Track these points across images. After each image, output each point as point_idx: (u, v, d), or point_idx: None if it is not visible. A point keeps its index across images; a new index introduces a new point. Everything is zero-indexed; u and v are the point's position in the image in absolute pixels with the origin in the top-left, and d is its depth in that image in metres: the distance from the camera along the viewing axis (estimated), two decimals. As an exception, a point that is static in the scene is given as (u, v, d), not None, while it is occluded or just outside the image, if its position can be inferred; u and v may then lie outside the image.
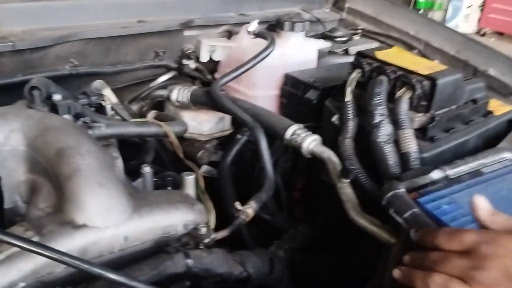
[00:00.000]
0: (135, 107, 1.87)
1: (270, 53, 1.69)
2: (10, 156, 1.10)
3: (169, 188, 1.54)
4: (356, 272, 1.36)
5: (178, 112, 1.77)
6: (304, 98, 1.69)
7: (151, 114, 1.83)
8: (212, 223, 1.16)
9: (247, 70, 1.67)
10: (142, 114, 1.83)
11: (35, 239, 0.96)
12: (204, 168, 1.82)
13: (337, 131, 1.44)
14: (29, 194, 1.13)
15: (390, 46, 1.98)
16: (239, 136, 1.77)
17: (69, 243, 0.97)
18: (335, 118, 1.45)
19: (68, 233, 0.98)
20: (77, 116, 1.27)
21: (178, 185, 1.56)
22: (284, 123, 1.46)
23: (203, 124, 1.78)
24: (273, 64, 1.76)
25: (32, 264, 0.94)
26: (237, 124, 1.79)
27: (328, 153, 1.34)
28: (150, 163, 1.56)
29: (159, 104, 1.88)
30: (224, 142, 1.88)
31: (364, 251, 1.30)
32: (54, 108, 1.24)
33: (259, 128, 1.44)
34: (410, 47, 2.09)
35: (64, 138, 1.09)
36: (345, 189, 1.25)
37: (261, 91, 1.82)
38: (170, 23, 1.77)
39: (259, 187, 1.67)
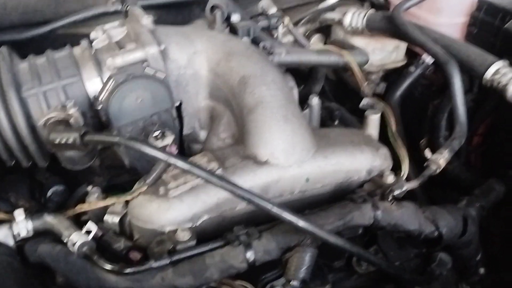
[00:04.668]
0: (300, 30, 1.74)
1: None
2: (192, 80, 1.05)
3: (336, 122, 1.44)
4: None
5: (347, 38, 1.60)
6: (503, 29, 1.42)
7: (316, 39, 1.70)
8: (406, 173, 1.03)
9: (436, -8, 1.43)
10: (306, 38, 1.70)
11: (219, 171, 0.91)
12: (366, 101, 1.67)
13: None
14: (208, 121, 1.09)
15: None
16: (412, 68, 1.58)
17: (252, 179, 0.92)
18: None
19: (251, 169, 0.93)
20: (255, 40, 1.18)
21: (345, 119, 1.45)
22: (485, 58, 1.23)
23: (375, 53, 1.60)
24: (464, -14, 1.50)
25: (216, 198, 0.91)
26: (411, 55, 1.59)
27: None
28: (317, 93, 1.46)
29: (325, 28, 1.73)
30: (389, 74, 1.70)
31: None
32: (232, 30, 1.15)
33: (453, 63, 1.23)
34: None
35: (249, 65, 1.01)
36: None
37: (446, 18, 1.56)
38: None
39: (434, 128, 1.51)
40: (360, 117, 1.33)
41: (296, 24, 1.74)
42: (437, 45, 1.30)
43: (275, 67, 1.06)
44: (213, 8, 1.14)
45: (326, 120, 1.42)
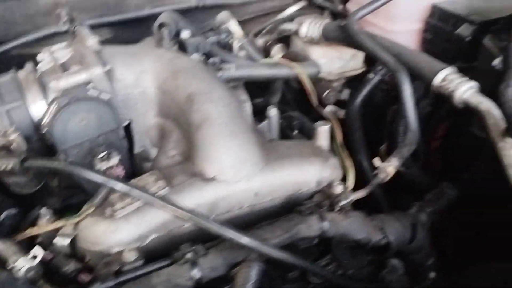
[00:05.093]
0: (260, 40, 1.75)
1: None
2: (140, 98, 1.06)
3: (296, 131, 1.45)
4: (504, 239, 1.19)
5: (306, 48, 1.62)
6: (455, 34, 1.45)
7: (277, 49, 1.71)
8: (351, 184, 1.04)
9: (388, 1, 1.45)
10: (266, 49, 1.71)
11: (166, 189, 0.92)
12: (329, 108, 1.69)
13: (498, 77, 1.20)
14: (158, 138, 1.09)
15: None
16: (371, 75, 1.60)
17: (200, 197, 0.93)
18: (497, 62, 1.21)
19: (199, 186, 0.94)
20: (206, 55, 1.18)
21: (304, 128, 1.46)
22: (433, 65, 1.25)
23: (334, 61, 1.62)
24: (417, -7, 1.52)
25: (162, 217, 0.91)
26: (370, 62, 1.61)
27: (487, 105, 1.12)
28: (276, 104, 1.47)
29: (285, 38, 1.74)
30: (352, 81, 1.72)
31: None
32: (182, 46, 1.16)
33: (402, 71, 1.25)
34: None
35: (195, 83, 1.02)
36: (509, 150, 1.05)
37: (401, 25, 1.59)
38: None
39: (392, 134, 1.53)
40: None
41: (256, 34, 1.76)
42: (388, 54, 1.32)
43: (222, 83, 1.07)
44: (161, 26, 1.15)
45: (285, 130, 1.43)
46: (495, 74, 1.22)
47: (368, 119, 1.60)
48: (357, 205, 1.10)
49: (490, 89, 1.20)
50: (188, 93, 1.00)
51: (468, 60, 1.38)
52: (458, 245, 1.23)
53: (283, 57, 1.54)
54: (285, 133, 1.42)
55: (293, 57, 1.42)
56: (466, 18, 1.42)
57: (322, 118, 1.42)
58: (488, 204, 1.24)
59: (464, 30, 1.42)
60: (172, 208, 0.80)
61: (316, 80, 1.65)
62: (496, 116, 1.09)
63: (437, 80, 1.22)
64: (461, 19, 1.44)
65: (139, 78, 1.05)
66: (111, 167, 0.96)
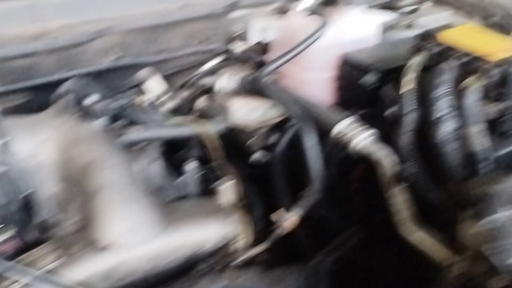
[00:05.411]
0: (185, 92, 1.80)
1: (323, 33, 1.52)
2: (41, 168, 1.08)
3: (215, 183, 1.49)
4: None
5: (225, 100, 1.67)
6: (360, 83, 1.52)
7: (200, 102, 1.76)
8: (249, 239, 1.08)
9: (298, 54, 1.52)
10: (191, 101, 1.76)
11: (59, 261, 0.94)
12: (257, 154, 1.73)
13: (393, 125, 1.28)
14: (61, 206, 1.11)
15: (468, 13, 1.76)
16: (290, 124, 1.66)
17: (94, 265, 0.95)
18: (389, 112, 1.29)
19: (93, 254, 0.96)
20: (114, 117, 1.22)
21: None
22: (331, 117, 1.31)
23: (253, 111, 1.67)
24: (327, 44, 1.59)
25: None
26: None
27: (378, 155, 1.18)
28: (195, 157, 1.50)
29: (209, 90, 1.80)
30: (277, 126, 1.78)
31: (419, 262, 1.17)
32: (87, 112, 1.19)
33: (305, 123, 1.31)
34: (487, 16, 1.82)
35: (92, 151, 1.06)
36: (396, 198, 1.11)
37: (315, 74, 1.66)
38: (215, 5, 1.66)
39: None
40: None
41: (181, 87, 1.81)
42: (295, 106, 1.39)
43: (119, 150, 1.11)
44: (65, 93, 1.18)
45: (206, 181, 1.47)
46: (390, 123, 1.29)
47: (292, 165, 1.64)
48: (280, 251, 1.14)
49: (388, 136, 1.27)
50: (84, 162, 1.03)
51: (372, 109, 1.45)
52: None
53: (200, 110, 1.59)
54: (205, 186, 1.45)
55: (211, 110, 1.47)
56: (370, 67, 1.50)
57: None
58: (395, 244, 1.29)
59: (368, 79, 1.49)
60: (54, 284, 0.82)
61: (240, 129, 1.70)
62: (385, 166, 1.16)
63: (334, 132, 1.27)
64: (367, 68, 1.51)
65: (39, 148, 1.07)
66: (4, 241, 0.97)
